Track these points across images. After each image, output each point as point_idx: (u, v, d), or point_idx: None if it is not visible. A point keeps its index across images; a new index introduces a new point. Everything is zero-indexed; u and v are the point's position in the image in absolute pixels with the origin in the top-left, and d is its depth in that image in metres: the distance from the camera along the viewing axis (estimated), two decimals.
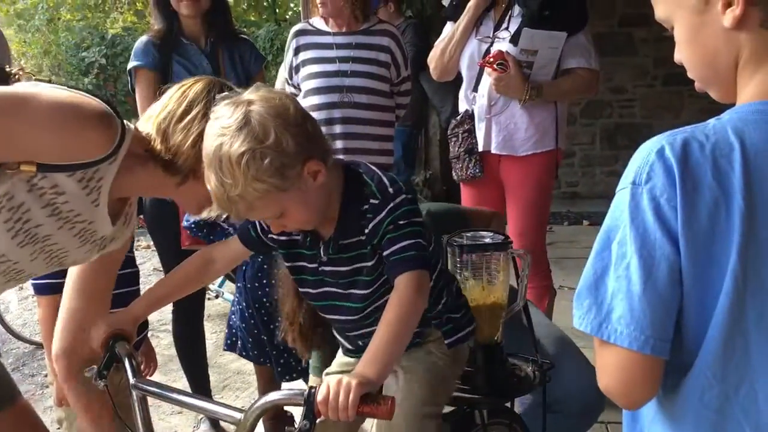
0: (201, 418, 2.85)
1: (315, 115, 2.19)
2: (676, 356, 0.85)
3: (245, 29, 5.85)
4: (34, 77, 1.28)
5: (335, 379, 1.14)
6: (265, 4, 9.66)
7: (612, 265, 0.85)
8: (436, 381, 1.54)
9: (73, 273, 1.50)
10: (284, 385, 2.55)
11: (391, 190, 1.37)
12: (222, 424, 2.79)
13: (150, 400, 1.40)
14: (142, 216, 2.77)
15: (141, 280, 2.05)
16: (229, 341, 2.58)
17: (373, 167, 1.43)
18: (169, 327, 2.93)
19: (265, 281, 2.37)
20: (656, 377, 0.86)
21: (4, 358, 3.71)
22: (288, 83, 2.89)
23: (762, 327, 0.82)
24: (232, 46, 2.81)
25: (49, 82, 1.23)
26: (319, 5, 2.78)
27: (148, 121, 1.34)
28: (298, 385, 2.56)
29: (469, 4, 2.72)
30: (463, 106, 2.86)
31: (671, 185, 0.82)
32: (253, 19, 9.43)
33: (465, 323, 1.61)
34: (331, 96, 2.73)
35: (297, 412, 2.30)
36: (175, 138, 1.29)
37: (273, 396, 1.21)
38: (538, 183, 2.77)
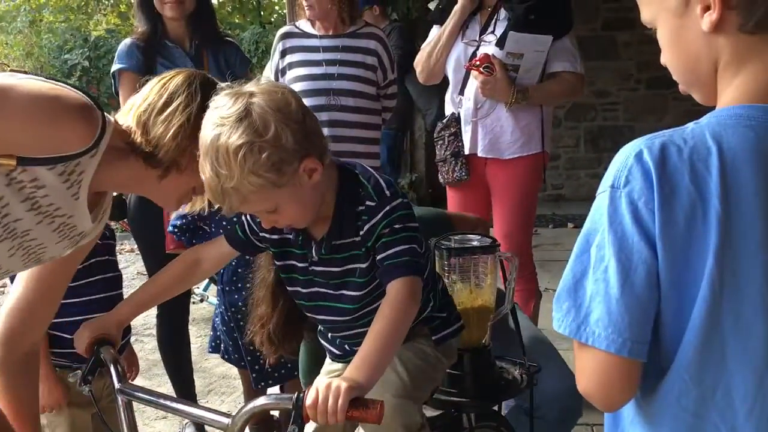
0: (186, 423, 2.83)
1: None
2: (653, 358, 0.86)
3: (230, 32, 5.82)
4: (8, 68, 1.26)
5: (324, 383, 1.13)
6: (250, 6, 9.63)
7: (591, 268, 0.85)
8: (421, 366, 1.52)
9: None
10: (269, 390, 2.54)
11: (387, 192, 1.37)
12: (207, 429, 2.77)
13: (134, 404, 1.38)
14: (126, 220, 2.75)
15: (124, 284, 2.03)
16: (213, 343, 2.57)
17: (370, 169, 1.43)
18: (154, 331, 2.91)
19: (240, 285, 2.35)
20: (634, 379, 0.87)
21: None
22: None
23: (738, 330, 0.82)
24: (217, 48, 2.80)
25: (25, 73, 1.21)
26: (305, 8, 2.78)
27: (128, 114, 1.32)
28: (274, 392, 2.54)
29: (456, 8, 2.73)
30: (449, 109, 2.87)
31: (649, 189, 0.82)
32: (237, 21, 9.40)
33: (452, 320, 1.60)
34: (318, 99, 2.73)
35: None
36: (156, 130, 1.28)
37: (261, 401, 1.20)
38: (524, 186, 2.78)
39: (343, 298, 1.46)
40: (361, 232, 1.37)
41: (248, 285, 2.25)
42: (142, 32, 2.74)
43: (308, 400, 1.12)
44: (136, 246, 3.15)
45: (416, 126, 6.48)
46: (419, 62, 2.89)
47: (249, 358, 2.41)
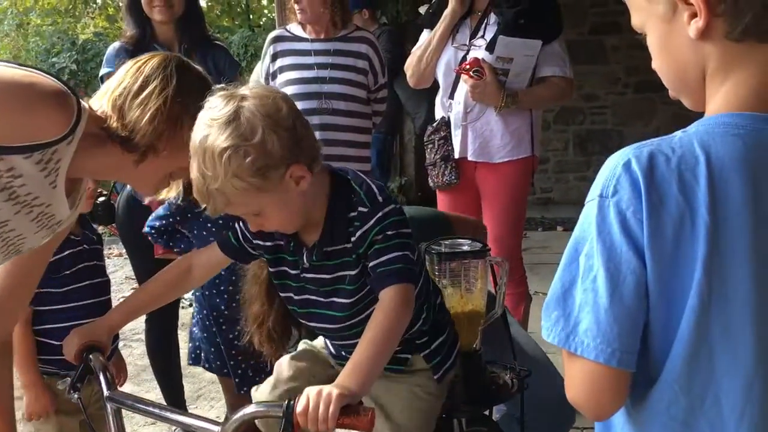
0: (175, 430, 2.81)
1: None
2: (642, 368, 0.86)
3: (219, 35, 5.80)
4: None
5: (315, 390, 1.12)
6: (238, 9, 9.61)
7: (579, 278, 0.85)
8: (413, 424, 1.50)
9: None
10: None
11: (380, 198, 1.36)
12: None
13: (123, 411, 1.37)
14: (114, 224, 2.73)
15: (113, 288, 2.02)
16: (193, 354, 2.51)
17: (362, 175, 1.42)
18: (142, 336, 2.89)
19: (222, 288, 2.33)
20: (623, 389, 0.87)
21: None
22: None
23: (727, 339, 0.82)
24: (206, 52, 2.79)
25: None
26: (297, 11, 2.78)
27: (103, 97, 1.31)
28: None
29: (446, 12, 2.74)
30: (439, 113, 2.88)
31: (637, 198, 0.82)
32: (226, 24, 9.37)
33: (450, 347, 1.57)
34: (309, 102, 2.72)
35: None
36: (132, 114, 1.26)
37: (251, 408, 1.19)
38: (513, 190, 2.79)
39: (334, 306, 1.45)
40: (353, 239, 1.36)
41: (231, 288, 2.24)
42: (131, 36, 2.73)
43: (299, 408, 1.11)
44: (124, 250, 3.12)
45: (406, 129, 6.48)
46: (410, 66, 2.89)
47: (232, 362, 2.37)
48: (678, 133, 0.86)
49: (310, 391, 1.12)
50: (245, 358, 2.30)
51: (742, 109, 0.84)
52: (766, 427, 0.84)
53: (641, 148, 0.84)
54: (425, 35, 2.86)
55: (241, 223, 1.51)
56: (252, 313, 1.67)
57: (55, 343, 1.69)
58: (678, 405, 0.85)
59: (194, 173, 1.24)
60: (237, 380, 2.40)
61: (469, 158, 2.77)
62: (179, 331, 2.90)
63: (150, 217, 2.33)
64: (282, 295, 1.53)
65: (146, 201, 2.31)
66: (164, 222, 2.30)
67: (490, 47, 2.65)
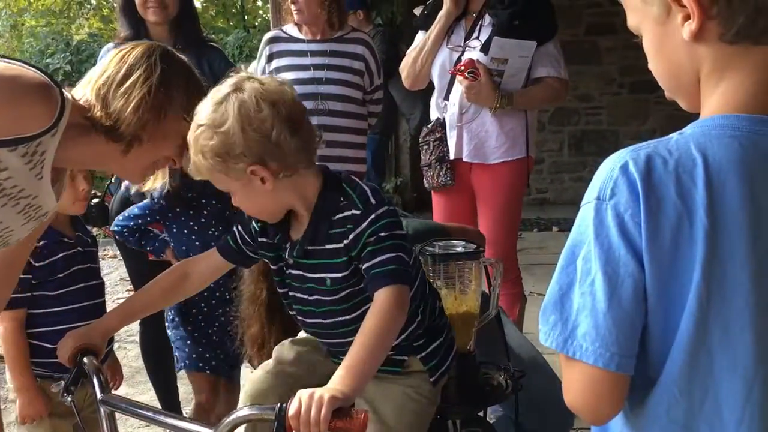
0: None
1: None
2: (641, 371, 0.85)
3: (214, 36, 5.80)
4: None
5: (307, 393, 1.12)
6: (233, 10, 9.60)
7: (577, 281, 0.85)
8: (403, 426, 1.49)
9: None
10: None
11: (373, 200, 1.36)
12: None
13: (118, 414, 1.36)
14: (108, 226, 2.72)
15: (107, 290, 2.02)
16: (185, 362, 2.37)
17: (355, 178, 1.43)
18: (137, 338, 2.88)
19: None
20: (621, 394, 0.86)
21: None
22: None
23: (726, 342, 0.82)
24: (201, 53, 2.78)
25: None
26: (294, 12, 2.78)
27: (86, 86, 1.30)
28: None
29: (441, 14, 2.74)
30: (434, 115, 2.88)
31: (635, 201, 0.81)
32: (221, 25, 9.36)
33: (447, 349, 1.57)
34: (305, 103, 2.68)
35: None
36: (116, 104, 1.27)
37: (244, 411, 1.19)
38: (509, 191, 2.79)
39: (318, 303, 1.45)
40: (345, 241, 1.36)
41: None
42: (125, 37, 2.72)
43: (291, 411, 1.11)
44: (118, 252, 3.11)
45: (400, 130, 6.48)
46: (405, 67, 2.89)
47: (207, 354, 2.30)
48: (674, 135, 0.86)
49: (303, 394, 1.12)
50: (222, 346, 2.27)
51: (737, 111, 0.84)
52: (766, 429, 0.84)
53: (638, 151, 0.84)
54: (420, 36, 2.86)
55: (239, 227, 1.51)
56: (251, 335, 1.66)
57: (49, 346, 1.68)
58: (677, 408, 0.85)
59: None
60: (208, 370, 2.34)
61: (465, 159, 2.77)
62: None
63: (121, 216, 2.30)
64: (279, 291, 1.54)
65: (132, 191, 2.28)
66: (139, 221, 2.28)
67: (485, 48, 2.65)
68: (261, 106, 1.28)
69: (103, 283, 1.99)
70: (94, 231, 2.67)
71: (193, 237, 2.25)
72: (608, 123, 7.10)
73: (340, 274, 1.39)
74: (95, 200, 2.44)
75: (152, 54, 1.32)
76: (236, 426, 1.18)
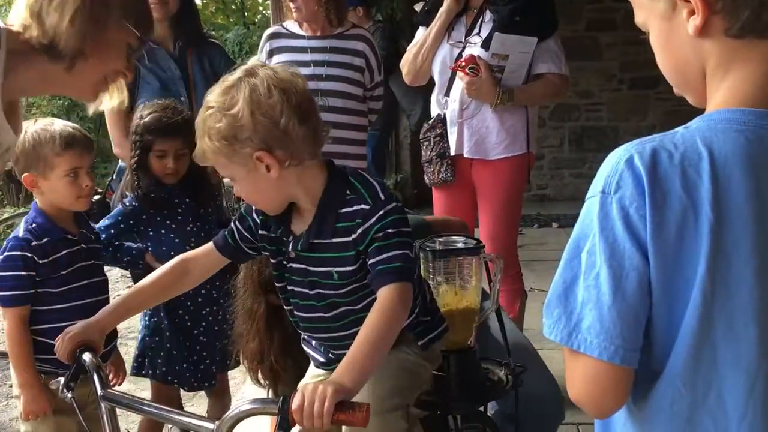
0: (170, 428, 2.81)
1: None
2: (645, 364, 0.85)
3: (213, 32, 5.79)
4: None
5: (310, 387, 1.13)
6: (233, 7, 9.59)
7: (581, 275, 0.85)
8: (403, 373, 1.52)
9: None
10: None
11: (382, 196, 1.38)
12: None
13: (118, 410, 1.37)
14: None
15: (109, 287, 2.01)
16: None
17: (362, 172, 1.43)
18: (138, 335, 2.87)
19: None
20: (625, 387, 0.86)
21: None
22: None
23: (730, 336, 0.82)
24: (202, 50, 2.79)
25: None
26: (293, 10, 2.78)
27: (18, 8, 1.27)
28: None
29: (441, 10, 2.74)
30: (435, 111, 2.88)
31: (640, 195, 0.82)
32: (221, 22, 9.35)
33: (436, 323, 1.60)
34: None
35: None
36: (51, 19, 1.23)
37: (246, 406, 1.19)
38: (509, 187, 2.79)
39: (321, 300, 1.45)
40: (354, 235, 1.37)
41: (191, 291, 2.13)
42: None
43: (294, 404, 1.12)
44: None
45: (401, 127, 6.48)
46: (405, 64, 2.90)
47: (184, 364, 2.25)
48: (680, 129, 0.86)
49: (306, 388, 1.13)
50: (200, 360, 2.25)
51: (743, 105, 0.85)
52: None
53: (643, 144, 0.84)
54: (421, 33, 2.86)
55: (237, 223, 1.52)
56: (249, 351, 1.66)
57: (53, 342, 1.68)
58: (681, 401, 0.85)
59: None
60: (186, 387, 2.32)
61: (465, 155, 2.77)
62: None
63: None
64: (277, 285, 1.54)
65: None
66: (111, 231, 2.18)
67: (486, 44, 2.65)
68: (272, 92, 1.29)
69: (106, 280, 2.00)
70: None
71: (172, 235, 2.22)
72: (608, 119, 7.09)
73: (348, 268, 1.40)
74: (96, 197, 2.44)
75: None
76: (239, 420, 1.18)
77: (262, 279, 1.78)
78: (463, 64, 2.65)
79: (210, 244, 1.55)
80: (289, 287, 1.50)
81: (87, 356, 1.38)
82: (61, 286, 1.84)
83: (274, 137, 1.30)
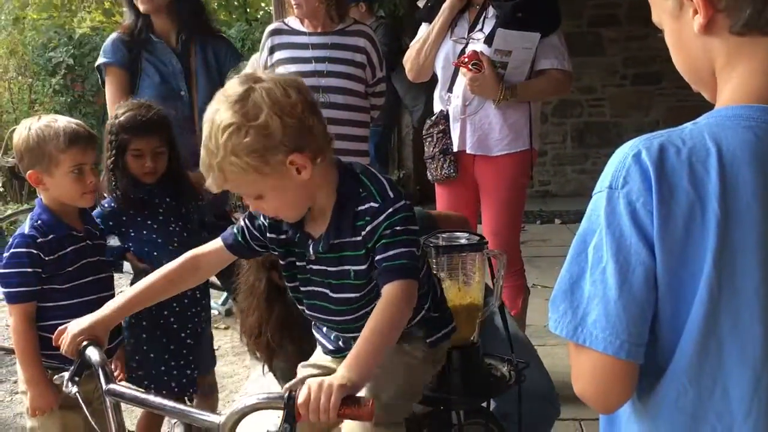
0: (174, 422, 2.81)
1: None
2: (650, 359, 0.86)
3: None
4: None
5: (316, 382, 1.13)
6: (235, 3, 9.58)
7: (588, 270, 0.85)
8: (405, 378, 1.52)
9: None
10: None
11: (391, 194, 1.38)
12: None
13: (123, 404, 1.37)
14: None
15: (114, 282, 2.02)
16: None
17: (372, 169, 1.43)
18: None
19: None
20: (631, 381, 0.87)
21: None
22: None
23: (736, 332, 0.83)
24: (206, 43, 2.78)
25: None
26: (294, 6, 2.78)
27: None
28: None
29: (444, 6, 2.74)
30: (437, 107, 2.88)
31: (647, 190, 0.82)
32: (223, 18, 9.33)
33: (446, 321, 1.60)
34: None
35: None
36: None
37: (252, 400, 1.20)
38: (512, 183, 2.80)
39: (339, 300, 1.46)
40: (363, 233, 1.37)
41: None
42: (127, 26, 2.73)
43: (300, 399, 1.12)
44: None
45: (403, 123, 6.48)
46: (408, 60, 2.90)
47: (162, 367, 2.16)
48: (688, 125, 0.86)
49: (312, 383, 1.13)
50: (182, 367, 2.18)
51: (751, 101, 0.85)
52: None
53: (651, 140, 0.84)
54: (424, 29, 2.86)
55: (246, 221, 1.50)
56: (248, 325, 1.66)
57: None
58: (686, 397, 0.85)
59: (202, 144, 1.27)
60: (159, 389, 2.15)
61: (468, 151, 2.78)
62: None
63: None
64: (288, 285, 1.54)
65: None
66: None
67: (489, 40, 2.66)
68: (289, 92, 1.27)
69: (112, 276, 2.00)
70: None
71: (154, 236, 2.17)
72: (611, 115, 7.09)
73: (363, 267, 1.41)
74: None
75: None
76: (245, 415, 1.19)
77: (264, 257, 1.76)
78: (466, 60, 2.65)
79: (218, 241, 1.53)
80: (302, 288, 1.50)
81: (91, 351, 1.38)
82: (67, 282, 1.85)
83: (302, 137, 1.28)
